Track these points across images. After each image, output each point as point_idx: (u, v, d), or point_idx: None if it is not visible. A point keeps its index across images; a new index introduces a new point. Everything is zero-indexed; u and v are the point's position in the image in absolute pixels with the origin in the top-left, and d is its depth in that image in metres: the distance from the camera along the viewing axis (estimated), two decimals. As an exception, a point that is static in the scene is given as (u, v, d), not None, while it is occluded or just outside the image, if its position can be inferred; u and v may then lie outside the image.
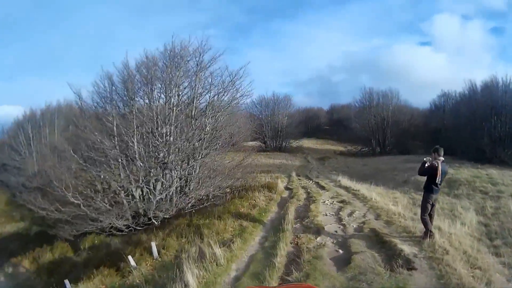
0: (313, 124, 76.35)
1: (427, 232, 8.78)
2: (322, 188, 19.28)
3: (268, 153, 49.48)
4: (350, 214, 12.01)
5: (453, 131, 38.57)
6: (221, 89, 18.01)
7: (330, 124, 79.66)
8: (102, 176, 14.62)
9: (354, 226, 10.48)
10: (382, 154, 48.13)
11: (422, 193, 9.22)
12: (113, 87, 16.32)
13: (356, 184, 20.88)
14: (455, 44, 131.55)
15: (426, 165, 8.67)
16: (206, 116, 17.29)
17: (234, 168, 18.85)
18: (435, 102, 52.44)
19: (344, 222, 10.86)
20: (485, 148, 30.58)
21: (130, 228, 13.60)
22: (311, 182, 22.93)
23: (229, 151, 21.36)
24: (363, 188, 18.60)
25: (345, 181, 22.35)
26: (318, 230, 9.92)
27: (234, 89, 18.26)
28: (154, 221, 13.73)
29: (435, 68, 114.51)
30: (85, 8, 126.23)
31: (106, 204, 13.63)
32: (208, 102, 17.80)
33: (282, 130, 53.49)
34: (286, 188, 19.40)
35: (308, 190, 18.15)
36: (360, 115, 54.23)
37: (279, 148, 52.73)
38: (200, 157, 16.59)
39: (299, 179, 24.71)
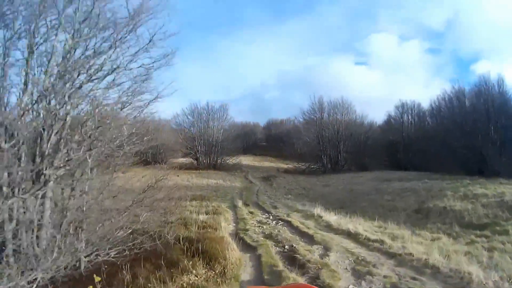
0: (249, 140, 67.98)
1: None
2: (307, 236, 10.15)
3: (200, 171, 39.83)
4: None
5: (429, 142, 31.79)
6: (112, 35, 8.19)
7: (268, 140, 72.35)
8: None
9: None
10: (336, 172, 40.19)
11: None
12: None
13: (352, 221, 12.33)
14: (391, 62, 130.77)
15: None
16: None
17: (141, 200, 9.06)
18: (390, 114, 46.14)
19: None
20: (489, 158, 23.19)
21: None
22: (272, 219, 13.70)
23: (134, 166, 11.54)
24: (380, 233, 10.07)
25: (328, 215, 13.59)
26: None
27: (136, 40, 8.55)
28: None
29: (370, 86, 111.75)
30: None
31: None
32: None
33: (217, 145, 43.88)
34: (239, 239, 9.74)
35: (286, 246, 8.93)
36: (308, 127, 46.04)
37: (214, 165, 42.91)
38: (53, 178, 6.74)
39: (251, 213, 15.35)
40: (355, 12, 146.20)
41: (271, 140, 69.74)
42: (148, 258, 7.20)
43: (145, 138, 8.89)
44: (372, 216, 14.56)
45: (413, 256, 7.40)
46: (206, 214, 14.12)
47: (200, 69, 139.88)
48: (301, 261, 7.33)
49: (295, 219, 12.89)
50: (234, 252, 7.63)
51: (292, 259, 7.64)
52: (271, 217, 13.98)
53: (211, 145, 43.50)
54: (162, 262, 6.88)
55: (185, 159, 44.97)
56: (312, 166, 43.16)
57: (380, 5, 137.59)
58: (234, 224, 12.37)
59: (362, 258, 7.64)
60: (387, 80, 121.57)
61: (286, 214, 14.53)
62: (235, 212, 15.18)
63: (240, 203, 17.63)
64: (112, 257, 7.42)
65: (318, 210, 14.42)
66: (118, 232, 7.93)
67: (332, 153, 43.05)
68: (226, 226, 11.36)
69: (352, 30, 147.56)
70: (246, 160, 50.81)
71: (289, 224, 12.15)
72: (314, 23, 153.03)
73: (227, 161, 44.47)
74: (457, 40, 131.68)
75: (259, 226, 11.69)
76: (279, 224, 12.32)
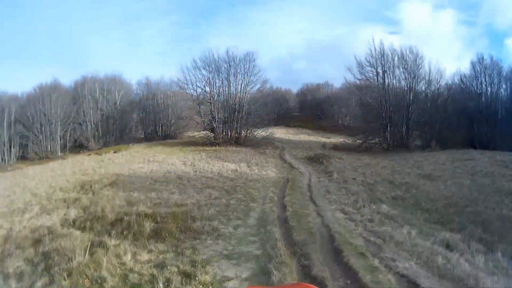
0: (281, 109, 55.04)
1: None
2: None
3: (217, 148, 26.82)
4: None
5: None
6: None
7: (302, 109, 59.45)
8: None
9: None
10: (405, 149, 27.13)
11: None
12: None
13: None
14: (423, 32, 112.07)
15: None
16: None
17: None
18: (462, 74, 31.61)
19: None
20: None
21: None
22: None
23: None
24: None
25: None
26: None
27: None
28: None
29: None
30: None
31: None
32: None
33: (241, 111, 30.08)
34: None
35: None
36: (366, 87, 31.47)
37: (236, 140, 29.30)
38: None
39: None
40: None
41: (307, 109, 57.36)
42: None
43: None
44: None
45: None
46: None
47: (226, 40, 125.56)
48: None
49: None
50: None
51: None
52: None
53: (233, 111, 29.62)
54: None
55: (202, 132, 31.39)
56: (369, 141, 29.17)
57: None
58: None
59: None
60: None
61: None
62: None
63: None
64: None
65: None
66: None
67: (398, 123, 28.82)
68: None
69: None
70: (278, 132, 37.22)
71: None
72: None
73: (255, 133, 30.81)
74: (492, 11, 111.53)
75: None
76: None
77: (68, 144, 35.87)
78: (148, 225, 8.08)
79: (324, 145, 30.87)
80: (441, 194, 12.27)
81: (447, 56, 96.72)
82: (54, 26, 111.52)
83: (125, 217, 9.04)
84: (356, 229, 8.20)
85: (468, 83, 30.65)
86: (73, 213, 10.90)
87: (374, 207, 10.47)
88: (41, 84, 38.76)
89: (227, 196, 11.46)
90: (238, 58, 30.73)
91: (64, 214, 10.96)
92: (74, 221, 9.93)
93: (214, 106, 29.76)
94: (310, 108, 55.76)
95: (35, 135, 33.94)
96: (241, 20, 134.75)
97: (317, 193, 12.40)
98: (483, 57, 29.62)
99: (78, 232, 8.71)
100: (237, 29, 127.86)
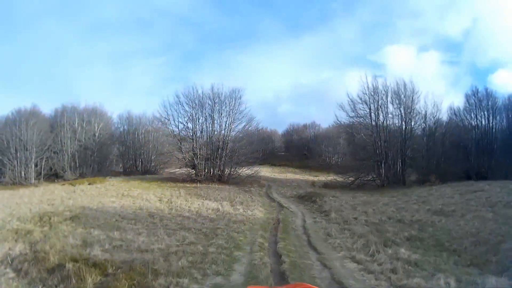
0: (266, 149, 53.61)
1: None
2: None
3: (198, 185, 24.61)
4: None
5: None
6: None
7: (288, 149, 58.52)
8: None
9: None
10: (400, 185, 25.60)
11: None
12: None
13: None
14: (408, 74, 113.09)
15: None
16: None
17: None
18: (454, 108, 30.36)
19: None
20: None
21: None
22: None
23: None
24: None
25: None
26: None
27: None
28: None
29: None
30: (35, 25, 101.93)
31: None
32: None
33: (225, 148, 28.13)
34: None
35: None
36: (360, 125, 29.68)
37: (220, 177, 27.16)
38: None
39: None
40: (370, 24, 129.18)
41: (293, 148, 56.35)
42: None
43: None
44: None
45: None
46: None
47: (213, 82, 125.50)
48: None
49: None
50: None
51: None
52: None
53: (216, 148, 27.73)
54: None
55: (184, 169, 28.98)
56: (364, 178, 27.34)
57: (396, 16, 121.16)
58: None
59: None
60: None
61: None
62: None
63: None
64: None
65: None
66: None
67: (392, 159, 27.10)
68: None
69: (367, 43, 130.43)
70: (264, 171, 35.29)
71: None
72: (328, 37, 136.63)
73: (239, 171, 28.68)
74: (474, 49, 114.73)
75: None
76: None
77: (43, 172, 33.71)
78: (91, 281, 5.76)
79: (313, 183, 28.97)
80: (464, 231, 10.16)
81: (431, 95, 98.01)
82: (42, 54, 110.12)
83: (67, 265, 6.65)
84: (379, 285, 5.99)
85: (462, 116, 29.51)
86: (18, 248, 8.76)
87: (390, 251, 8.30)
88: (19, 108, 36.45)
89: (205, 241, 9.09)
90: (223, 95, 29.13)
91: (9, 249, 8.82)
92: (13, 260, 7.77)
93: (196, 143, 27.76)
94: (296, 148, 54.74)
95: (9, 160, 31.86)
96: (228, 64, 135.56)
97: (316, 236, 10.17)
98: (477, 90, 28.56)
99: (10, 276, 6.79)
100: (224, 72, 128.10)
